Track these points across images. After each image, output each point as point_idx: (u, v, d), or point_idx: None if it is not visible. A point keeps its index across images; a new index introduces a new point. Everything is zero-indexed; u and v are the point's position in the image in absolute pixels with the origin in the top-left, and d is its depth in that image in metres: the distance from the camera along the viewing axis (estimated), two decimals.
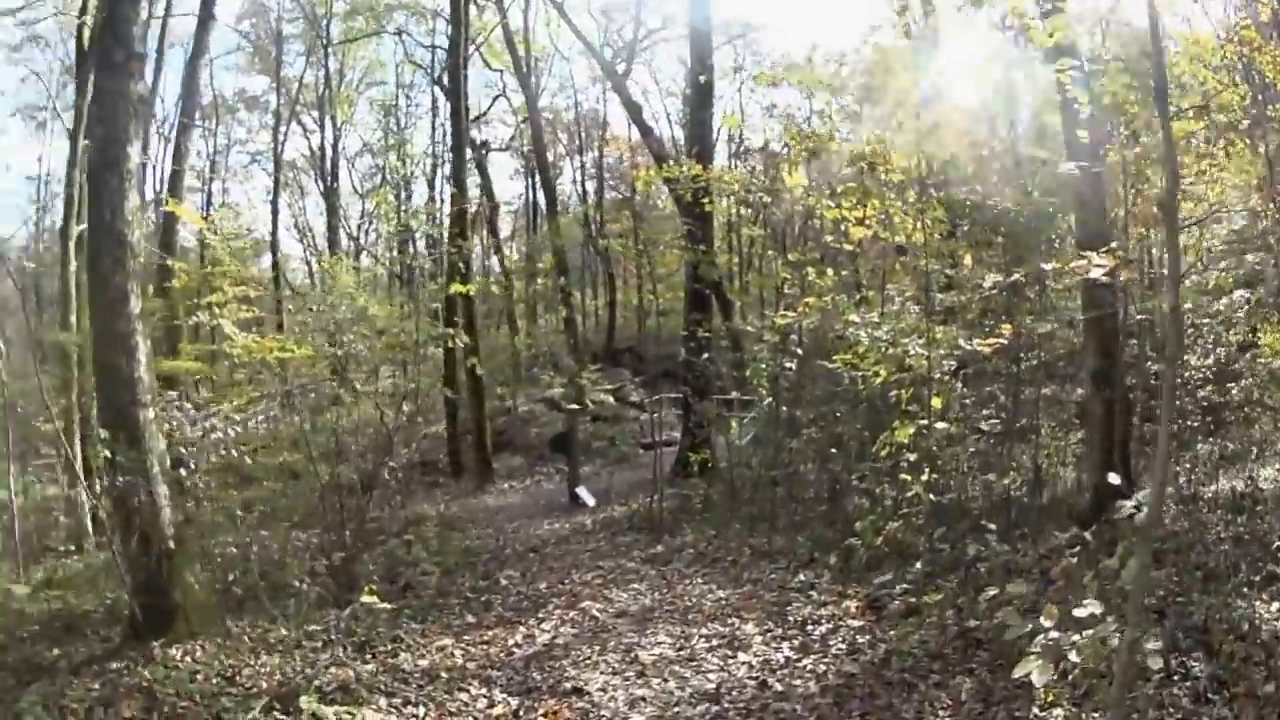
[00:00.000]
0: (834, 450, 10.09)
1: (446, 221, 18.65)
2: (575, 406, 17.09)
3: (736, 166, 28.09)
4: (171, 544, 6.43)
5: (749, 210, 34.00)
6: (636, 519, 11.89)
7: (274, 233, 30.41)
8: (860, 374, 8.92)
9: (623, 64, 24.28)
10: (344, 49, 29.96)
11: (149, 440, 6.51)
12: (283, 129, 29.82)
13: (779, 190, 13.38)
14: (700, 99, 16.32)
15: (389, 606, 6.51)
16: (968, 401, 9.60)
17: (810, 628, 6.39)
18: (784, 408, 10.85)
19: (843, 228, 10.33)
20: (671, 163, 14.50)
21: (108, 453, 6.22)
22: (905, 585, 6.65)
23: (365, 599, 6.31)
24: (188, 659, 5.98)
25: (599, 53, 23.35)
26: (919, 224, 9.26)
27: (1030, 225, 9.55)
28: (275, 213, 30.26)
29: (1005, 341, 6.83)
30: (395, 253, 30.46)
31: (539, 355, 30.20)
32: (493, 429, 23.61)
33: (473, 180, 35.33)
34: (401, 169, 33.10)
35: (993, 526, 7.03)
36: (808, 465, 10.82)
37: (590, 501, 14.48)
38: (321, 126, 31.28)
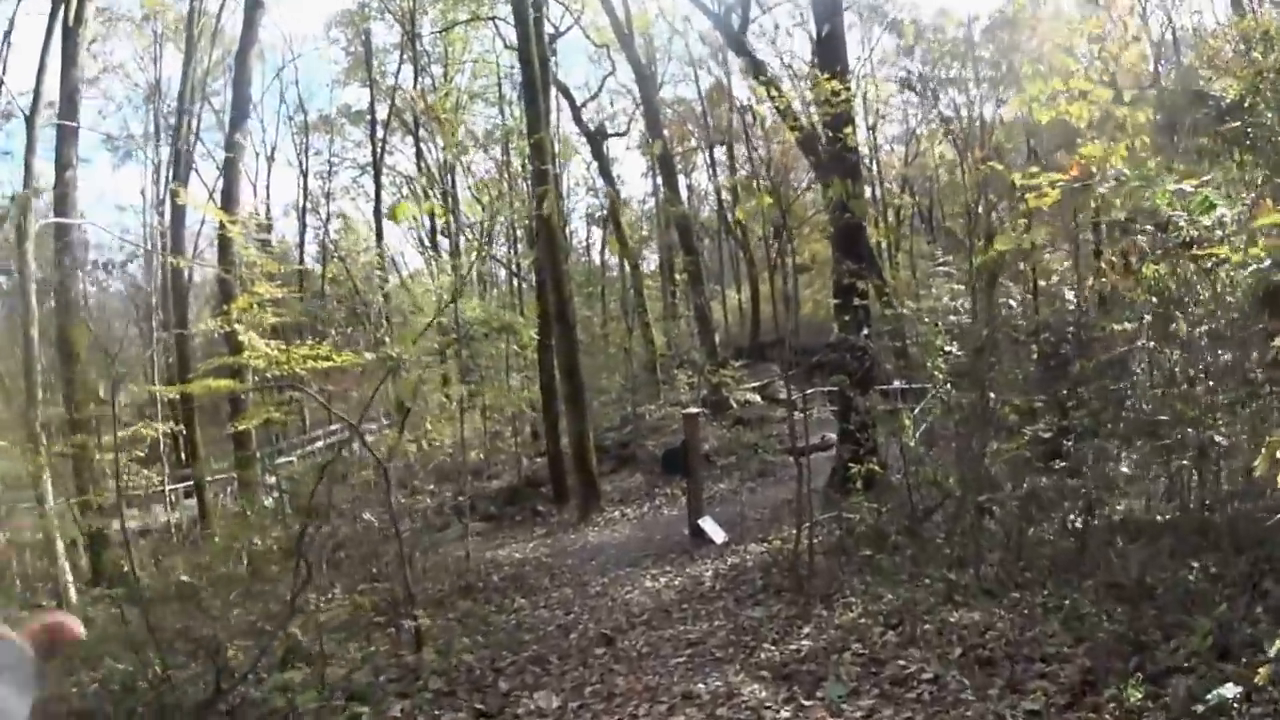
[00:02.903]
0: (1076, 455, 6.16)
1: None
2: (694, 410, 13.42)
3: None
4: None
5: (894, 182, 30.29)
6: (775, 569, 8.38)
7: (379, 243, 28.63)
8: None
9: (737, 18, 20.54)
10: (448, 53, 28.32)
11: None
12: (380, 137, 28.59)
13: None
14: (828, 13, 12.62)
15: None
16: None
17: None
18: (991, 393, 6.92)
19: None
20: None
21: None
22: None
23: None
24: None
25: (708, 6, 19.75)
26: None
27: None
28: (379, 223, 28.72)
29: None
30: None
31: (676, 355, 26.72)
32: (616, 440, 20.33)
33: (594, 170, 33.02)
34: (513, 162, 30.41)
35: None
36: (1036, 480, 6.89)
37: (718, 537, 10.88)
38: (417, 128, 29.28)
